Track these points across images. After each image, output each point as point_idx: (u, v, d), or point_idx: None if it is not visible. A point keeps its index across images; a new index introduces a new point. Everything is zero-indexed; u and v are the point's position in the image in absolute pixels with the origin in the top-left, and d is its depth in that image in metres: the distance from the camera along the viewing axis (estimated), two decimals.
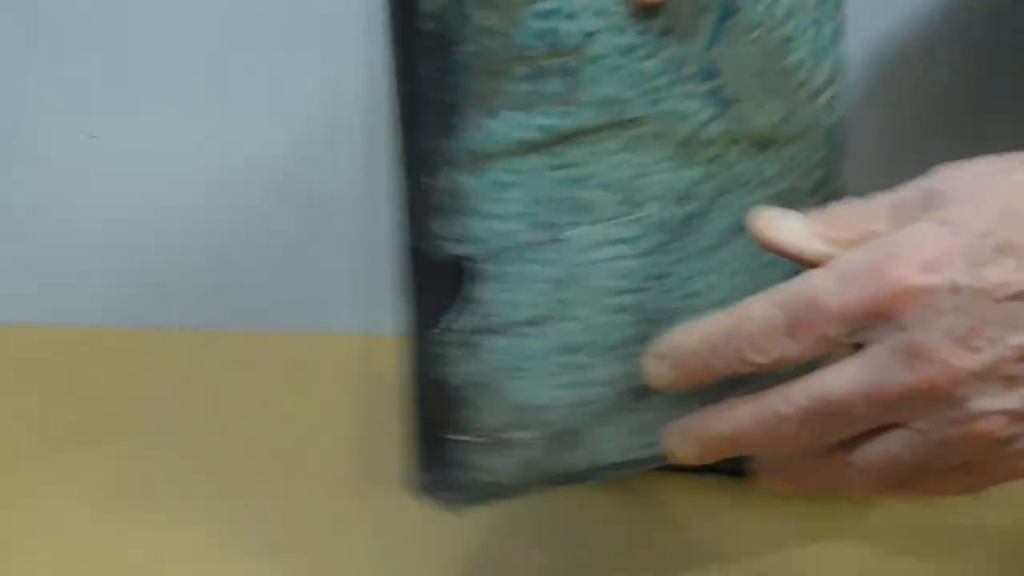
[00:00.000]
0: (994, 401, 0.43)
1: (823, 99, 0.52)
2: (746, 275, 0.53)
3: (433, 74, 0.47)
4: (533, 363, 0.50)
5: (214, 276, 0.78)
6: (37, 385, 0.73)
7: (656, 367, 0.49)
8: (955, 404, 0.44)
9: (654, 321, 0.51)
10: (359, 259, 0.79)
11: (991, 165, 0.46)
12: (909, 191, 0.46)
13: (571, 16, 0.48)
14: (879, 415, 0.45)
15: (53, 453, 0.66)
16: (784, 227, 0.47)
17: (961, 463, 0.46)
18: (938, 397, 0.44)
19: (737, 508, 0.63)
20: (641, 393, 0.52)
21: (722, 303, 0.50)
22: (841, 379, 0.45)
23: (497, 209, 0.49)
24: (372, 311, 0.78)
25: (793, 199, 0.52)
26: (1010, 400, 0.43)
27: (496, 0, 0.47)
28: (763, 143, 0.52)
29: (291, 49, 0.75)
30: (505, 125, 0.48)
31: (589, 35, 0.48)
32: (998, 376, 0.43)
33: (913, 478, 0.47)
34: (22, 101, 0.75)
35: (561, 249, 0.50)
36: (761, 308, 0.46)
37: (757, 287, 0.50)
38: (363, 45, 0.73)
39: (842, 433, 0.46)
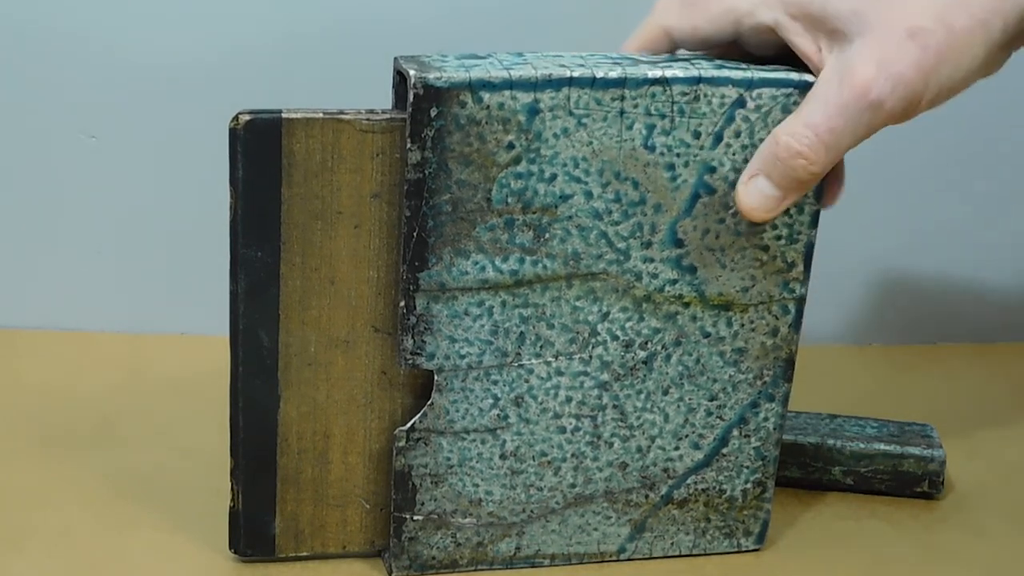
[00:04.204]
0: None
1: (792, 275, 0.56)
2: (692, 416, 0.58)
3: (413, 214, 0.52)
4: (480, 465, 0.57)
5: (214, 278, 0.79)
6: (37, 386, 0.73)
7: None
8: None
9: (599, 444, 0.57)
10: None
11: None
12: None
13: (548, 179, 0.53)
14: None
15: (53, 453, 0.66)
16: None
17: None
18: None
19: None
20: (580, 501, 0.58)
21: (665, 436, 0.58)
22: None
23: (461, 335, 0.54)
24: None
25: (744, 358, 0.57)
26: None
27: (476, 158, 0.52)
28: (722, 306, 0.56)
29: (298, 49, 0.75)
30: (475, 265, 0.53)
31: (563, 198, 0.53)
32: None
33: None
34: (22, 101, 0.75)
35: (516, 374, 0.55)
36: None
37: (702, 430, 0.58)
38: None
39: None
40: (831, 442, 0.65)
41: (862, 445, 0.65)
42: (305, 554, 0.58)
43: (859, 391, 0.78)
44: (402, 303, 0.53)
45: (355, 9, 0.74)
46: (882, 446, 0.65)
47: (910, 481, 0.65)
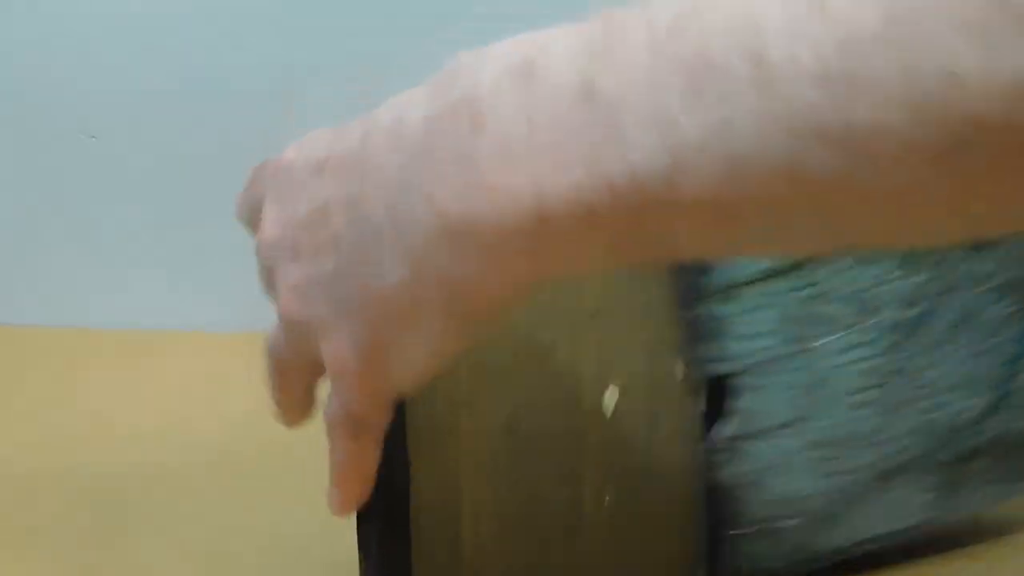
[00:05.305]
0: (286, 271, 0.41)
1: None
2: (972, 363, 0.57)
3: None
4: (791, 459, 0.55)
5: (217, 278, 0.78)
6: (37, 385, 0.73)
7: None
8: (271, 271, 0.42)
9: (894, 412, 0.56)
10: None
11: None
12: None
13: None
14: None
15: (53, 452, 0.66)
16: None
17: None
18: (263, 262, 0.42)
19: None
20: (888, 475, 0.57)
21: (952, 390, 0.57)
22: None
23: (751, 330, 0.54)
24: None
25: (1011, 290, 0.57)
26: (292, 271, 0.40)
27: None
28: (979, 244, 0.56)
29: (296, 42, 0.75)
30: (752, 258, 0.53)
31: None
32: (289, 244, 0.40)
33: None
34: (22, 101, 0.75)
35: (808, 358, 0.54)
36: None
37: (983, 374, 0.57)
38: None
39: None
40: None
41: None
42: None
43: None
44: (694, 314, 0.53)
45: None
46: None
47: None
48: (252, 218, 0.45)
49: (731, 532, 0.55)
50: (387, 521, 0.53)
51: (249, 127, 0.76)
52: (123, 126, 0.76)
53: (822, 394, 0.55)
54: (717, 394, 0.54)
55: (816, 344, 0.54)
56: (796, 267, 0.53)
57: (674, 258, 0.42)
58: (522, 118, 0.35)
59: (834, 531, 0.57)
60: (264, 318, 0.78)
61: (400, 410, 0.51)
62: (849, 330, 0.55)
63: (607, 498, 0.53)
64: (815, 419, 0.55)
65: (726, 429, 0.54)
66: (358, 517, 0.52)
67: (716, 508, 0.55)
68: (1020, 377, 0.58)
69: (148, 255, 0.79)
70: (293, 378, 0.45)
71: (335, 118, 0.71)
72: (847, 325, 0.55)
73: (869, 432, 0.56)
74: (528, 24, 0.37)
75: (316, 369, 0.43)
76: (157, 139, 0.76)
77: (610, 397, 0.52)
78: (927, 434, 0.57)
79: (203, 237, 0.77)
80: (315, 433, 0.67)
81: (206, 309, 0.79)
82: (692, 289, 0.53)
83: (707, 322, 0.53)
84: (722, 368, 0.54)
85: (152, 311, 0.80)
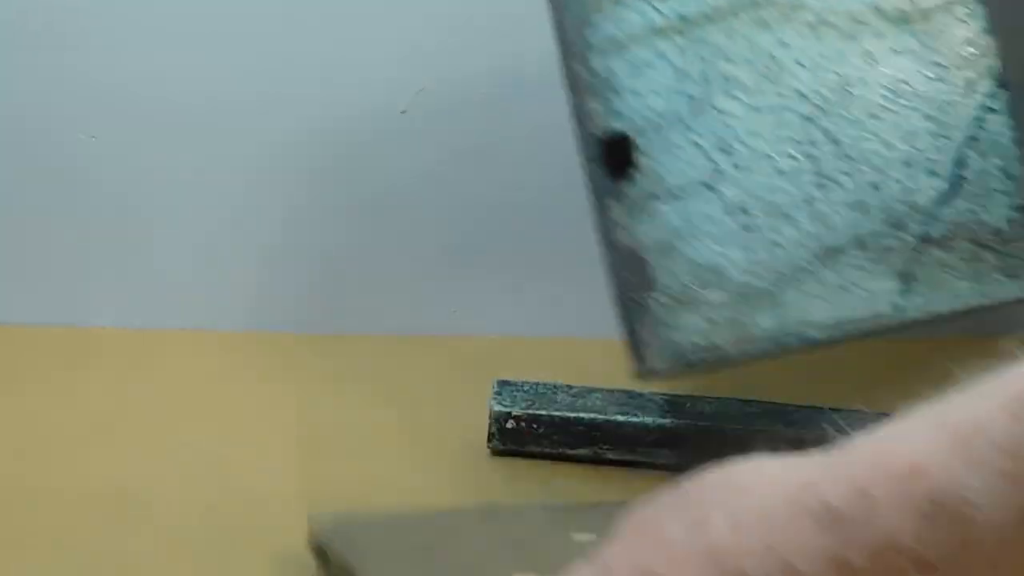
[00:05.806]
0: None
1: None
2: (912, 148, 0.55)
3: None
4: (708, 226, 0.53)
5: (216, 275, 0.79)
6: (37, 385, 0.73)
7: None
8: None
9: (825, 184, 0.54)
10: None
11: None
12: None
13: None
14: None
15: (52, 451, 0.66)
16: None
17: None
18: None
19: None
20: (831, 252, 0.54)
21: (884, 170, 0.54)
22: None
23: (646, 87, 0.53)
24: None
25: (946, 71, 0.54)
26: None
27: None
28: (898, 19, 0.54)
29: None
30: (636, 13, 0.53)
31: None
32: None
33: None
34: (22, 101, 0.75)
35: (715, 118, 0.53)
36: None
37: (924, 157, 0.54)
38: None
39: None
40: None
41: None
42: None
43: (856, 384, 0.78)
44: (580, 67, 0.52)
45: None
46: None
47: None
48: None
49: (641, 296, 0.53)
50: None
51: (250, 128, 0.76)
52: (123, 126, 0.76)
53: (737, 158, 0.53)
54: (618, 152, 0.52)
55: (719, 104, 0.53)
56: (686, 24, 0.53)
57: None
58: (983, 564, 0.36)
59: (772, 310, 0.53)
60: (263, 318, 0.78)
61: None
62: (758, 93, 0.53)
63: None
64: (730, 182, 0.53)
65: (633, 187, 0.52)
66: None
67: (632, 272, 0.52)
68: (976, 162, 0.55)
69: (148, 255, 0.79)
70: None
71: None
72: (751, 89, 0.53)
73: (799, 202, 0.53)
74: None
75: None
76: (157, 140, 0.76)
77: None
78: (871, 212, 0.54)
79: (203, 237, 0.78)
80: (314, 434, 0.68)
81: (206, 309, 0.79)
82: (579, 43, 0.52)
83: (597, 77, 0.52)
84: (616, 124, 0.52)
85: (152, 311, 0.80)
